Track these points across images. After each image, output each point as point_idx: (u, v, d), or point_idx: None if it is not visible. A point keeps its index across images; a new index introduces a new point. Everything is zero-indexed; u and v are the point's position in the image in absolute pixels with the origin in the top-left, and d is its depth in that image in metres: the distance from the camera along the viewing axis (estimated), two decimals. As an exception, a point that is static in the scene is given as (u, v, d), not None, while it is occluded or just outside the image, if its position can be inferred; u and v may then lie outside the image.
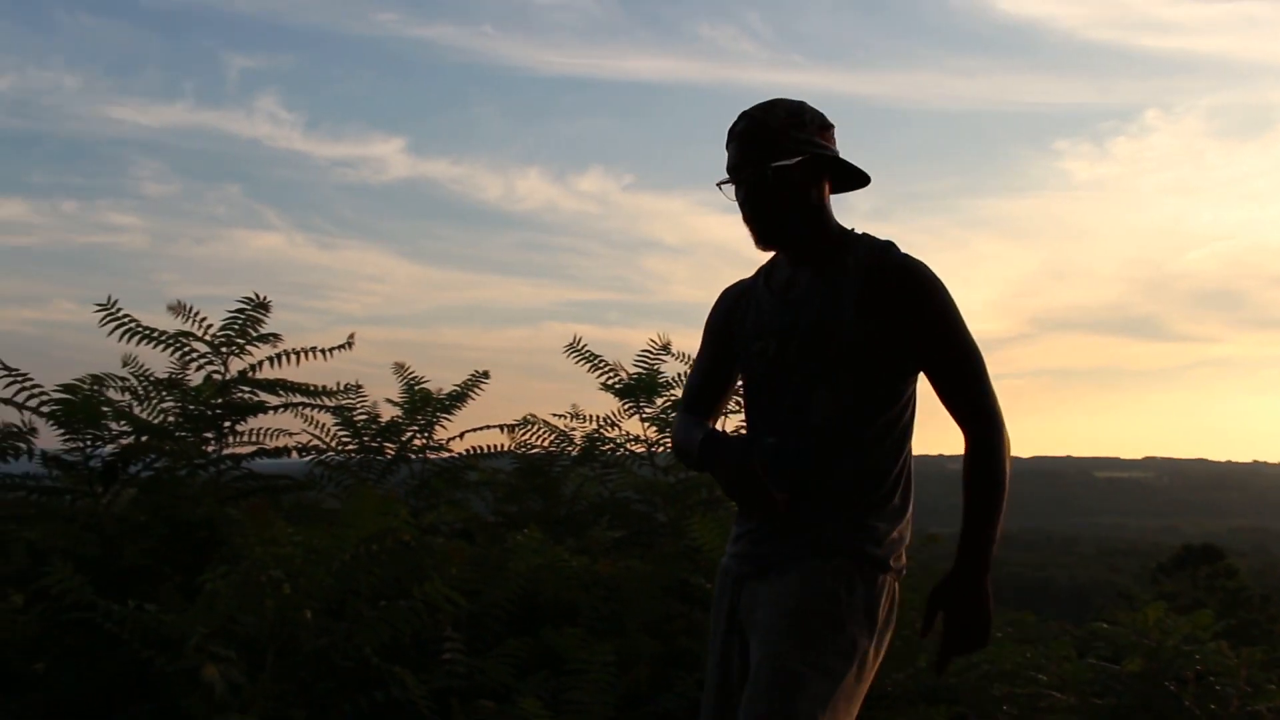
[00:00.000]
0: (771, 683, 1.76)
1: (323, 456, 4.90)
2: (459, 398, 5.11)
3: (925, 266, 1.96)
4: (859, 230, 2.04)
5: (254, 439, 4.67)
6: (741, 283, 2.16)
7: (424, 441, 5.10)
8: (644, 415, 5.13)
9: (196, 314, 4.43)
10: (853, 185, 2.10)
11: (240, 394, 4.57)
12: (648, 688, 3.54)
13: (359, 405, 5.01)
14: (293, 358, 4.58)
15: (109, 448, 4.13)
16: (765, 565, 1.92)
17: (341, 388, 4.81)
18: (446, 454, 5.14)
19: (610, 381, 5.15)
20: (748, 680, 1.84)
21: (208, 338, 4.45)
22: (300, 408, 4.80)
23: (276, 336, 4.58)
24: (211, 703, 2.80)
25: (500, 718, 3.07)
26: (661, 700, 3.51)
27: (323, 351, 4.68)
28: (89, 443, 4.05)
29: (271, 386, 4.57)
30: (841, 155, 2.03)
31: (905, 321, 1.91)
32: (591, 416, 5.26)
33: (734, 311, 2.12)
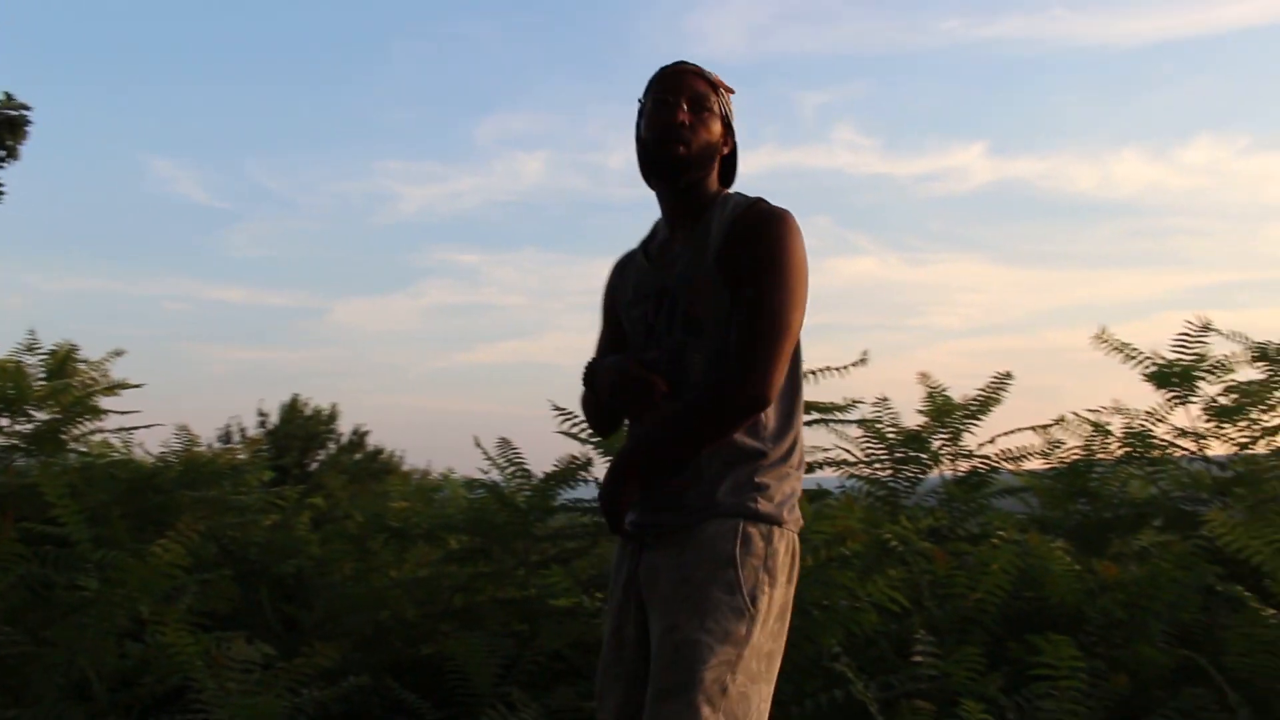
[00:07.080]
0: (675, 655, 1.66)
1: (852, 469, 5.14)
2: (985, 403, 5.07)
3: (784, 217, 1.86)
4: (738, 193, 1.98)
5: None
6: (628, 252, 2.10)
7: (953, 449, 5.11)
8: (1190, 404, 4.62)
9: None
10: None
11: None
12: (1139, 700, 3.23)
13: (884, 418, 5.18)
14: (813, 377, 4.90)
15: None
16: (662, 533, 1.85)
17: (849, 403, 5.00)
18: (977, 460, 5.08)
19: (1147, 370, 4.72)
20: (652, 655, 1.74)
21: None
22: (829, 424, 5.09)
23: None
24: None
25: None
26: (1160, 714, 3.18)
27: (838, 369, 4.92)
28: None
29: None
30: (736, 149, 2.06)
31: (740, 263, 1.83)
32: (1134, 411, 4.85)
33: (618, 281, 2.08)
